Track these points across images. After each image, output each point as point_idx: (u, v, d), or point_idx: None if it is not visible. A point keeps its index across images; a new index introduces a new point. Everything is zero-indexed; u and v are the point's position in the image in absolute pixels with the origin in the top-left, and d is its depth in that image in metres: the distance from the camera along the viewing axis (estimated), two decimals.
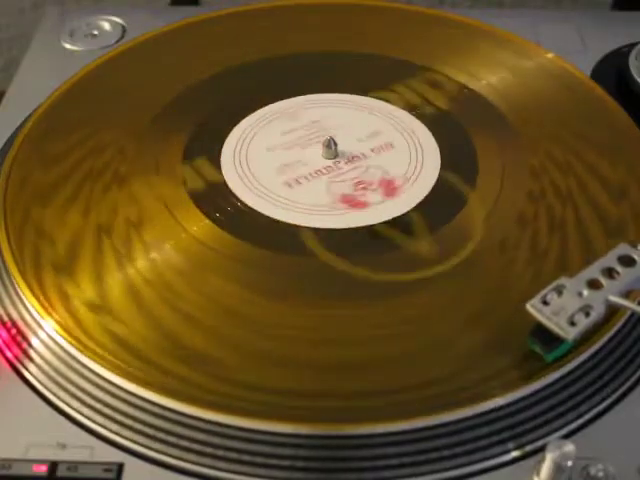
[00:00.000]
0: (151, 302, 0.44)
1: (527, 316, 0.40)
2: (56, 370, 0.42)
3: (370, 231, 0.47)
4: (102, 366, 0.41)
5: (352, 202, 0.48)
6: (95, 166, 0.51)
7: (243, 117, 0.54)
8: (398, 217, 0.47)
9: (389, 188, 0.48)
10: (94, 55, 0.60)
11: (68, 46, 0.63)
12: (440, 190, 0.49)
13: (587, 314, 0.40)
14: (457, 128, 0.53)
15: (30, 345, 0.43)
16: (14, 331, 0.43)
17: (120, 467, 0.39)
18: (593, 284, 0.41)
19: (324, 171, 0.50)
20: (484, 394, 0.39)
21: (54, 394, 0.41)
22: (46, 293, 0.44)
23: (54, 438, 0.40)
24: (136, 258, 0.46)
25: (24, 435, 0.40)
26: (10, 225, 0.47)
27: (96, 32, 0.64)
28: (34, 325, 0.43)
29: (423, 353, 0.42)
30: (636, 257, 0.42)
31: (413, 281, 0.45)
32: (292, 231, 0.47)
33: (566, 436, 0.39)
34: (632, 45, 0.59)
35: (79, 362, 0.42)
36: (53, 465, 0.39)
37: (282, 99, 0.55)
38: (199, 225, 0.47)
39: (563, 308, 0.40)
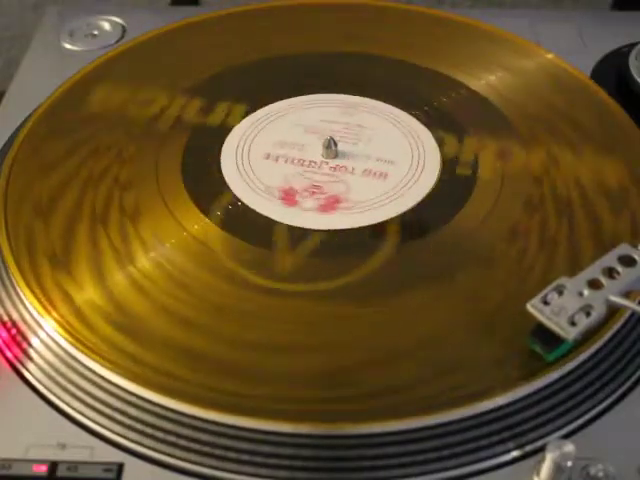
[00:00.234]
0: (151, 302, 0.44)
1: (527, 316, 0.40)
2: (56, 370, 0.42)
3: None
4: (102, 366, 0.41)
5: (288, 197, 0.48)
6: (95, 166, 0.51)
7: (243, 117, 0.54)
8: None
9: (328, 204, 0.48)
10: (94, 55, 0.60)
11: (68, 46, 0.63)
12: (440, 190, 0.49)
13: (588, 314, 0.40)
14: (457, 128, 0.53)
15: (30, 345, 0.43)
16: (14, 331, 0.43)
17: (120, 467, 0.39)
18: (593, 284, 0.41)
19: (305, 162, 0.51)
20: (484, 394, 0.39)
21: (54, 394, 0.41)
22: (46, 293, 0.44)
23: (54, 438, 0.40)
24: (136, 258, 0.46)
25: (24, 435, 0.40)
26: (10, 225, 0.47)
27: (96, 32, 0.64)
28: (34, 325, 0.43)
29: (423, 353, 0.42)
30: (636, 257, 0.42)
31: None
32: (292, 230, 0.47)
33: (566, 436, 0.39)
34: (632, 45, 0.59)
35: (79, 362, 0.42)
36: (53, 465, 0.39)
37: (282, 99, 0.55)
38: (199, 224, 0.47)
39: (563, 308, 0.40)
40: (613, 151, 0.52)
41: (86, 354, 0.41)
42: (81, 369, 0.41)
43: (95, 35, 0.64)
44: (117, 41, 0.63)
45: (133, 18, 0.65)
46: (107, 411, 0.40)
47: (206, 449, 0.39)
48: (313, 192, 0.49)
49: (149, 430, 0.40)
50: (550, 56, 0.59)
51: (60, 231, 0.47)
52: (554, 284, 0.41)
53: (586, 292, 0.41)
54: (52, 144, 0.52)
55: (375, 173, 0.50)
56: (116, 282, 0.44)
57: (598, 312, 0.40)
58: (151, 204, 0.49)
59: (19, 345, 0.43)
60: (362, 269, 0.45)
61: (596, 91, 0.56)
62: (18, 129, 0.54)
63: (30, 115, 0.55)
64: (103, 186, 0.50)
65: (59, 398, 0.41)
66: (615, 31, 0.63)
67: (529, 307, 0.41)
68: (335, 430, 0.39)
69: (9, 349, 0.43)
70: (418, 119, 0.54)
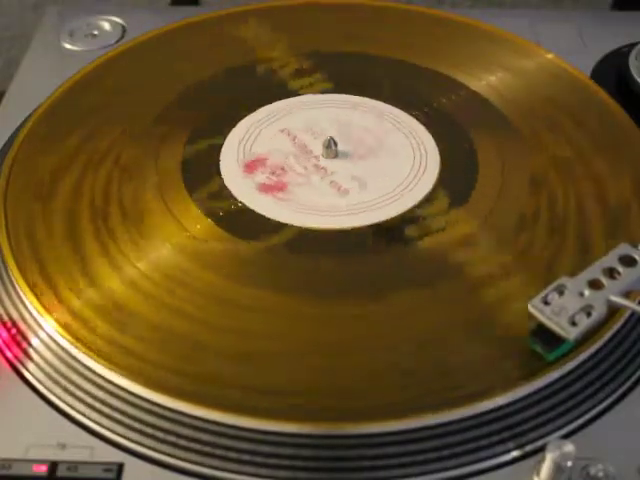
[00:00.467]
0: (151, 301, 0.44)
1: (528, 316, 0.40)
2: (56, 370, 0.42)
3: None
4: (102, 366, 0.41)
5: (252, 165, 0.49)
6: (95, 166, 0.51)
7: (243, 117, 0.54)
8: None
9: (269, 187, 0.49)
10: (94, 55, 0.60)
11: (68, 46, 0.63)
12: (440, 190, 0.49)
13: (588, 314, 0.40)
14: (457, 128, 0.53)
15: (30, 345, 0.43)
16: (14, 331, 0.43)
17: (120, 467, 0.39)
18: (594, 284, 0.41)
19: (307, 150, 0.51)
20: (484, 394, 0.39)
21: (54, 394, 0.41)
22: (46, 293, 0.44)
23: (54, 438, 0.40)
24: (136, 257, 0.46)
25: (24, 435, 0.40)
26: (10, 225, 0.47)
27: (96, 32, 0.64)
28: (34, 325, 0.43)
29: (423, 352, 0.42)
30: (637, 257, 0.42)
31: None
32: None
33: (566, 436, 0.39)
34: (632, 45, 0.59)
35: (79, 362, 0.42)
36: (53, 465, 0.39)
37: (282, 99, 0.55)
38: (199, 224, 0.47)
39: (564, 308, 0.40)
40: (613, 151, 0.52)
41: (86, 354, 0.41)
42: (81, 369, 0.41)
43: (95, 35, 0.64)
44: (117, 41, 0.63)
45: (133, 18, 0.65)
46: (107, 411, 0.40)
47: (206, 449, 0.39)
48: (274, 172, 0.49)
49: (149, 430, 0.40)
50: (550, 56, 0.59)
51: (60, 231, 0.47)
52: (555, 284, 0.41)
53: (587, 292, 0.41)
54: (52, 144, 0.52)
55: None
56: (116, 282, 0.44)
57: (599, 312, 0.40)
58: (151, 204, 0.48)
59: (19, 345, 0.43)
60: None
61: (596, 91, 0.56)
62: (18, 129, 0.54)
63: (30, 115, 0.55)
64: (103, 186, 0.50)
65: (59, 398, 0.41)
66: (615, 31, 0.63)
67: (530, 307, 0.41)
68: (335, 430, 0.39)
69: (9, 349, 0.43)
70: (418, 119, 0.54)
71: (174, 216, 0.48)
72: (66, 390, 0.41)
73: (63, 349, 0.42)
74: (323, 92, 0.56)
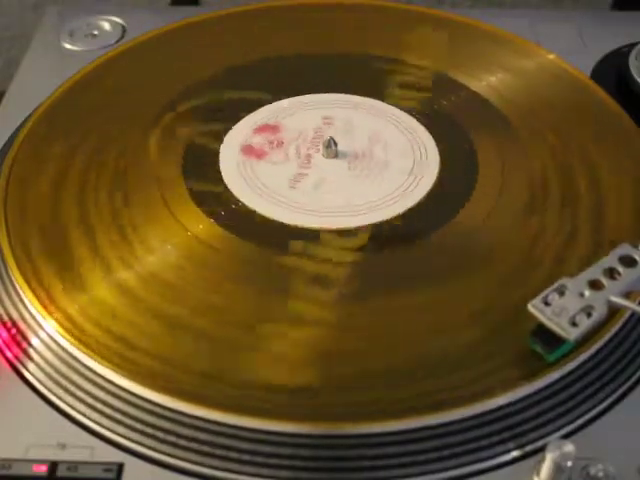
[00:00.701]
0: (151, 302, 0.44)
1: (528, 316, 0.40)
2: (56, 370, 0.42)
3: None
4: (102, 366, 0.41)
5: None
6: (95, 166, 0.51)
7: (243, 117, 0.54)
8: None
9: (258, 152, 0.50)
10: (94, 55, 0.60)
11: (68, 46, 0.63)
12: (440, 190, 0.49)
13: (589, 315, 0.40)
14: (457, 128, 0.53)
15: (30, 345, 0.43)
16: (14, 331, 0.43)
17: (120, 467, 0.39)
18: (594, 284, 0.41)
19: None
20: (484, 394, 0.39)
21: (54, 394, 0.41)
22: (46, 293, 0.44)
23: (54, 438, 0.40)
24: (137, 258, 0.46)
25: (24, 435, 0.40)
26: (10, 225, 0.47)
27: (96, 32, 0.64)
28: (34, 325, 0.43)
29: (423, 352, 0.42)
30: (637, 257, 0.42)
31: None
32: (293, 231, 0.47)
33: (566, 436, 0.39)
34: (632, 45, 0.59)
35: (79, 362, 0.42)
36: (53, 465, 0.39)
37: (282, 99, 0.55)
38: (200, 224, 0.47)
39: (565, 308, 0.40)
40: (613, 151, 0.52)
41: (86, 354, 0.41)
42: (81, 369, 0.41)
43: (95, 35, 0.64)
44: (117, 41, 0.63)
45: (133, 18, 0.65)
46: (107, 411, 0.40)
47: (206, 449, 0.39)
48: (272, 141, 0.51)
49: (149, 430, 0.40)
50: (550, 56, 0.59)
51: (60, 231, 0.47)
52: (555, 284, 0.41)
53: (587, 293, 0.41)
54: (52, 144, 0.52)
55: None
56: (116, 282, 0.44)
57: (599, 313, 0.40)
58: (151, 204, 0.48)
59: (19, 345, 0.43)
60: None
61: (596, 91, 0.56)
62: (18, 129, 0.54)
63: (30, 115, 0.55)
64: (103, 186, 0.50)
65: (59, 398, 0.41)
66: (615, 31, 0.63)
67: (530, 307, 0.41)
68: (335, 430, 0.39)
69: (9, 349, 0.43)
70: (418, 120, 0.54)
71: (174, 216, 0.48)
72: (66, 390, 0.41)
73: (63, 349, 0.42)
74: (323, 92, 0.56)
